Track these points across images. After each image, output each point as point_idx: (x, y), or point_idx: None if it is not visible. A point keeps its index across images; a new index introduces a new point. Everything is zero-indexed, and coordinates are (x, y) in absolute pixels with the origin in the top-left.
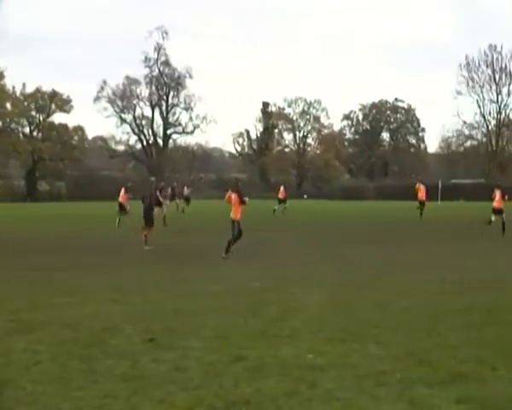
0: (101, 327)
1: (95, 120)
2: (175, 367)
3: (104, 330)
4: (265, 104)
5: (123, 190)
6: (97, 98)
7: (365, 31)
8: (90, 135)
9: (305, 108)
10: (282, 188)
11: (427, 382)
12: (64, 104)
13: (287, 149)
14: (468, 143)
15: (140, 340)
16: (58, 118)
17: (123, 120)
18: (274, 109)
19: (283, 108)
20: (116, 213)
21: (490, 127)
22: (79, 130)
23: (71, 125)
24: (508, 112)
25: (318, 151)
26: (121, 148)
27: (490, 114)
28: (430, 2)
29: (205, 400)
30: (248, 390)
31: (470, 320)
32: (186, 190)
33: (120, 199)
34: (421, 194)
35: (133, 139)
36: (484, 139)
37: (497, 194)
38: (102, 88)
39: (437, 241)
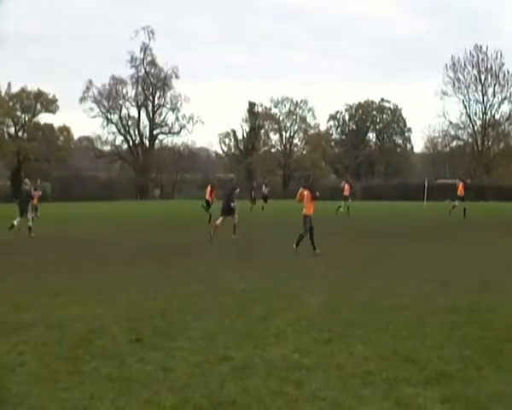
0: (86, 328)
1: (81, 121)
2: (161, 367)
3: (90, 330)
4: (252, 104)
5: (209, 188)
6: (83, 98)
7: (351, 31)
8: (75, 135)
9: (292, 109)
10: (346, 186)
11: (412, 381)
12: (49, 104)
13: (273, 150)
14: (454, 144)
15: (126, 340)
16: (44, 118)
17: (109, 121)
18: (260, 109)
19: (270, 109)
20: (204, 210)
21: (475, 128)
22: (65, 130)
23: (56, 125)
24: (493, 112)
25: (305, 151)
26: (107, 148)
27: (475, 114)
28: (416, 2)
29: (191, 400)
30: (235, 390)
31: (455, 320)
32: (264, 189)
33: (207, 196)
34: (460, 191)
35: (119, 139)
36: (470, 139)
37: None
38: (88, 88)
39: (423, 241)
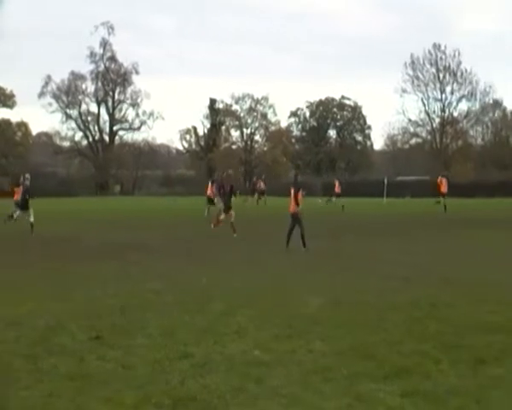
0: (45, 325)
1: (39, 116)
2: (121, 365)
3: (48, 328)
4: (212, 101)
5: (210, 184)
6: (42, 93)
7: (312, 28)
8: (34, 131)
9: (253, 105)
10: (337, 183)
11: (372, 376)
12: (7, 99)
13: (234, 146)
14: (413, 141)
15: (85, 338)
16: (0, 113)
17: (68, 116)
18: (221, 106)
19: (231, 105)
20: (204, 205)
21: (434, 125)
22: (23, 126)
23: (14, 120)
24: (451, 110)
25: (266, 148)
26: (66, 144)
27: (434, 112)
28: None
29: (151, 397)
30: (195, 387)
31: (414, 315)
32: (262, 185)
33: (208, 192)
34: (443, 187)
35: (79, 135)
36: (428, 137)
37: None
38: (47, 83)
39: (383, 237)
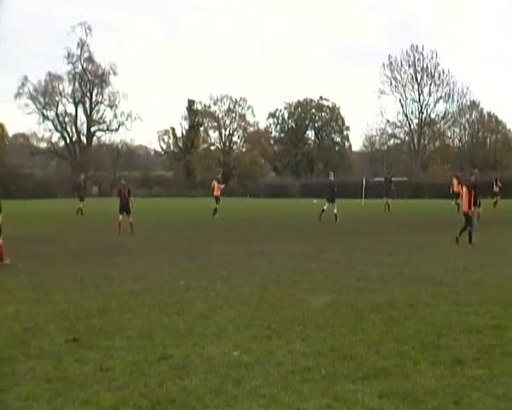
0: (22, 328)
1: (15, 117)
2: (99, 367)
3: (26, 330)
4: (191, 102)
5: (455, 181)
6: (18, 94)
7: (290, 29)
8: (10, 132)
9: (231, 106)
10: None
11: (351, 377)
12: None
13: (212, 147)
14: (392, 142)
15: (63, 340)
16: None
17: (45, 117)
18: (199, 107)
19: (209, 106)
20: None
21: (412, 126)
22: None
23: None
24: (429, 111)
25: (244, 149)
26: (43, 145)
27: (412, 113)
28: (356, 1)
29: (130, 399)
30: (174, 389)
31: (393, 315)
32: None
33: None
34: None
35: (56, 136)
36: (406, 138)
37: None
38: (23, 84)
39: (360, 238)
